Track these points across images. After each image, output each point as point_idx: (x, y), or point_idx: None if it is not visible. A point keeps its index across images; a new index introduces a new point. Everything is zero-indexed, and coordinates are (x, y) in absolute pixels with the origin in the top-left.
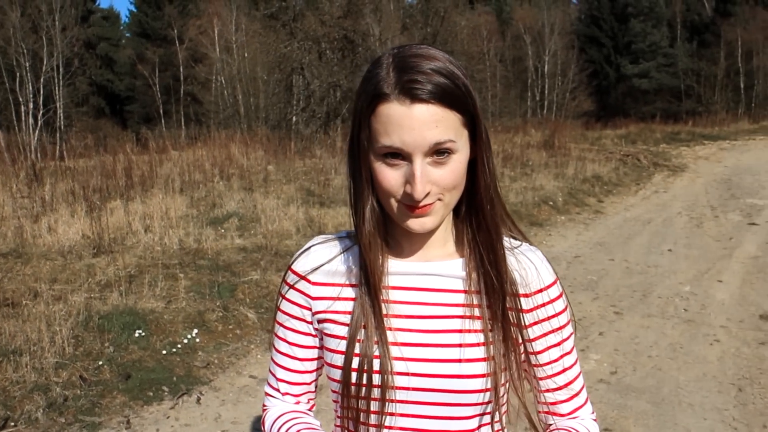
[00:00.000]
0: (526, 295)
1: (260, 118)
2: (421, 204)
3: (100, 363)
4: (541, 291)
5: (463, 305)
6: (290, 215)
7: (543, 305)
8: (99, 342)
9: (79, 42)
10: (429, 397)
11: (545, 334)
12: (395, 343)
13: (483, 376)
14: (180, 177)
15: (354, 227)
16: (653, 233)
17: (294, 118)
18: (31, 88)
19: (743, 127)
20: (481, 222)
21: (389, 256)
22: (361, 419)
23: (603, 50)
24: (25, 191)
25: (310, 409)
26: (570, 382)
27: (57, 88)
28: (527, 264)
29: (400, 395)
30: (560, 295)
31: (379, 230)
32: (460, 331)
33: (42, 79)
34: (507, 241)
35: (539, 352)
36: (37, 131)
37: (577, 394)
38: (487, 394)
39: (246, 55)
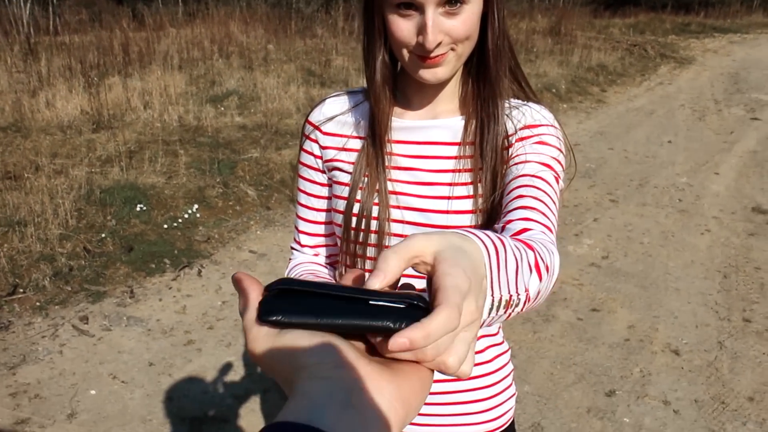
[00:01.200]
0: (513, 134)
1: None
2: (433, 54)
3: (103, 236)
4: (529, 127)
5: (455, 157)
6: (291, 94)
7: (528, 137)
8: (101, 215)
9: None
10: None
11: (521, 155)
12: (393, 192)
13: (472, 226)
14: (178, 54)
15: (366, 80)
16: (654, 124)
17: None
18: None
19: (757, 20)
20: (486, 75)
21: (397, 111)
22: (358, 265)
23: None
24: (20, 66)
25: (330, 264)
26: (539, 202)
27: None
28: (524, 109)
29: (395, 242)
30: (551, 134)
31: (389, 83)
32: (450, 184)
33: None
34: (512, 101)
35: (512, 166)
36: (28, 4)
37: (544, 215)
38: None
39: None
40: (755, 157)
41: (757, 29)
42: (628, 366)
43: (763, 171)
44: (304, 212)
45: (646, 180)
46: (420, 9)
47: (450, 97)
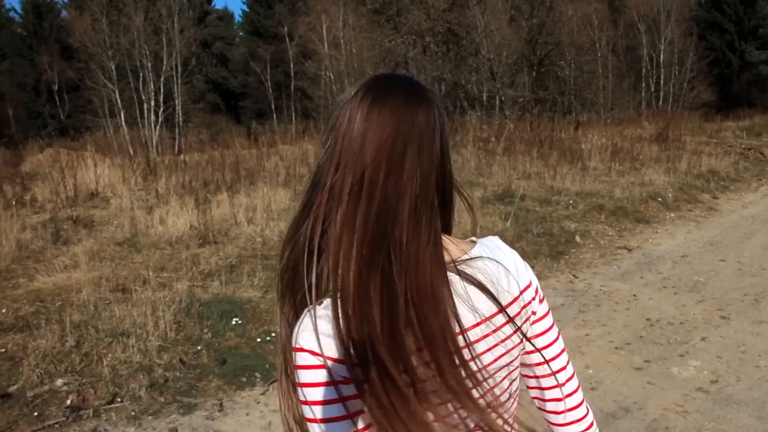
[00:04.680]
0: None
1: None
2: None
3: (199, 348)
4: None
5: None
6: None
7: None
8: (199, 328)
9: (196, 42)
10: None
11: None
12: None
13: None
14: (286, 170)
15: None
16: None
17: None
18: (152, 87)
19: None
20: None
21: None
22: None
23: (725, 36)
24: (141, 184)
25: None
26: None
27: (176, 86)
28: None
29: None
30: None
31: None
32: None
33: (162, 78)
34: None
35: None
36: (157, 127)
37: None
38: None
39: (353, 50)
40: None
41: None
42: None
43: None
44: None
45: (762, 295)
46: None
47: None
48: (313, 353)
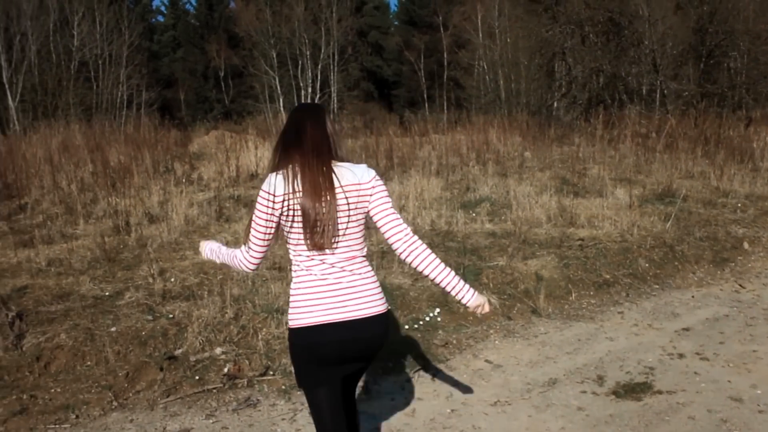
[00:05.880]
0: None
1: (520, 104)
2: None
3: None
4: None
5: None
6: (542, 203)
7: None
8: None
9: (353, 31)
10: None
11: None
12: None
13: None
14: (437, 160)
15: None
16: None
17: (555, 104)
18: (310, 74)
19: None
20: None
21: None
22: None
23: None
24: None
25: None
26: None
27: (332, 73)
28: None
29: None
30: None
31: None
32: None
33: (319, 66)
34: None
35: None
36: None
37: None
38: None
39: (508, 40)
40: None
41: None
42: None
43: None
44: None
45: None
46: None
47: None
48: (266, 191)
